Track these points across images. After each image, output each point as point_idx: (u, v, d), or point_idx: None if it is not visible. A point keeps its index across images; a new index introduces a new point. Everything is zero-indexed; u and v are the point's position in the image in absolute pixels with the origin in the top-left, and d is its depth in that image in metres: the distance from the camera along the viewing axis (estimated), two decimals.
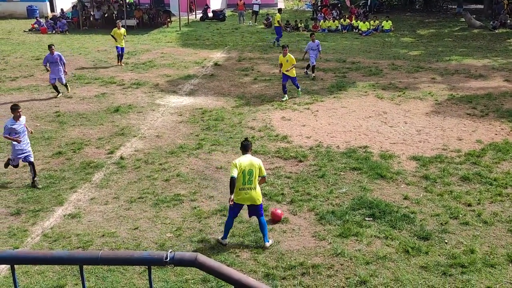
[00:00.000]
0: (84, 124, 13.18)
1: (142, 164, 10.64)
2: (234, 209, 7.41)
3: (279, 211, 8.24)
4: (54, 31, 29.36)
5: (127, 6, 33.16)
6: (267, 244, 7.44)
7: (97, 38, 27.04)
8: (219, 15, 34.06)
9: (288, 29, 30.10)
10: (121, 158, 10.95)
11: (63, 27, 29.52)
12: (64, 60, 15.79)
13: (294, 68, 15.36)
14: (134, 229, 8.01)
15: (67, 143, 11.83)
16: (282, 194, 9.18)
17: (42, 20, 30.89)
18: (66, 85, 15.98)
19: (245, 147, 7.46)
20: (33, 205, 8.78)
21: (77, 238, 7.72)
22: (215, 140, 11.96)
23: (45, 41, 26.36)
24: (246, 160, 7.29)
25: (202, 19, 34.29)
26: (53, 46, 15.48)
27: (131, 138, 12.21)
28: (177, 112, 14.27)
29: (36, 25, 30.05)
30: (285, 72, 15.24)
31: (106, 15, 32.78)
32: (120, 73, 18.91)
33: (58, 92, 15.81)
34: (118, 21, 21.30)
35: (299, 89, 15.86)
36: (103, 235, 7.82)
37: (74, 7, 33.76)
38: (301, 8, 42.00)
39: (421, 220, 8.19)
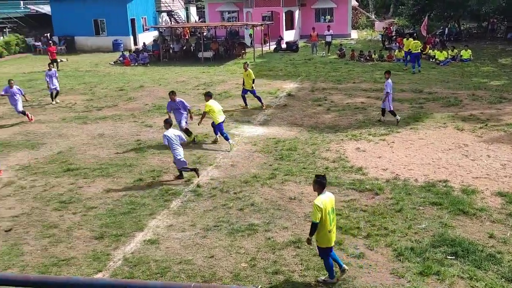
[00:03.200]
0: (163, 152, 13.69)
1: (218, 192, 10.85)
2: (330, 255, 7.24)
3: None
4: (136, 64, 31.08)
5: (204, 39, 34.53)
6: (346, 266, 7.48)
7: (175, 70, 28.28)
8: (292, 46, 34.54)
9: (362, 59, 29.92)
10: (198, 186, 11.23)
11: (144, 59, 31.18)
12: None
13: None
14: (210, 257, 8.13)
15: (147, 170, 12.34)
16: (358, 227, 8.98)
17: (126, 53, 32.83)
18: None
19: (323, 185, 7.04)
20: (115, 229, 9.18)
21: (155, 264, 7.96)
22: (289, 170, 11.98)
23: (129, 72, 28.00)
24: (327, 199, 7.00)
25: (275, 50, 34.93)
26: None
27: (207, 166, 12.52)
28: (251, 142, 14.49)
29: (121, 58, 32.02)
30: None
31: (184, 47, 34.28)
32: (197, 103, 19.57)
33: None
34: (246, 62, 19.34)
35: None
36: (180, 262, 8.00)
37: (155, 40, 35.64)
38: (375, 38, 41.67)
39: (509, 261, 7.68)
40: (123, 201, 10.51)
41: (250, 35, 36.17)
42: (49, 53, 29.87)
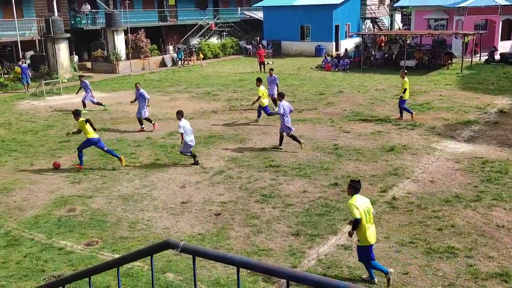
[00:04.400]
0: (359, 159, 13.70)
1: (415, 208, 10.43)
2: (371, 252, 7.60)
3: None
4: (337, 69, 31.63)
5: (408, 47, 33.43)
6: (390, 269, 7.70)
7: (375, 77, 27.99)
8: (508, 58, 31.28)
9: None
10: (393, 198, 10.96)
11: (345, 65, 31.56)
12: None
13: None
14: (404, 273, 7.88)
15: (342, 175, 12.48)
16: None
17: (328, 59, 33.64)
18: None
19: (357, 190, 7.54)
20: (310, 229, 9.52)
21: (348, 270, 8.03)
22: (497, 195, 10.91)
23: (329, 77, 28.70)
24: (363, 201, 7.53)
25: (487, 62, 32.06)
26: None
27: (404, 179, 12.14)
28: (453, 159, 13.58)
29: (322, 63, 32.96)
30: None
31: (386, 55, 33.70)
32: (396, 113, 19.08)
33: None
34: (403, 69, 18.59)
35: None
36: None
37: (357, 47, 35.78)
38: None
39: None
40: (319, 202, 10.82)
41: (466, 43, 33.13)
42: (258, 56, 32.27)
